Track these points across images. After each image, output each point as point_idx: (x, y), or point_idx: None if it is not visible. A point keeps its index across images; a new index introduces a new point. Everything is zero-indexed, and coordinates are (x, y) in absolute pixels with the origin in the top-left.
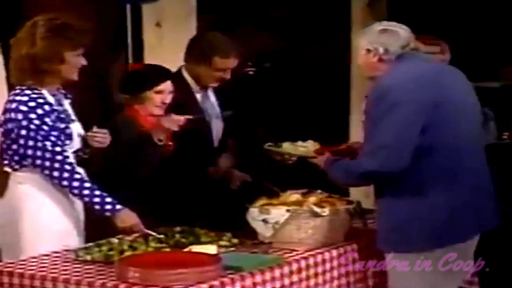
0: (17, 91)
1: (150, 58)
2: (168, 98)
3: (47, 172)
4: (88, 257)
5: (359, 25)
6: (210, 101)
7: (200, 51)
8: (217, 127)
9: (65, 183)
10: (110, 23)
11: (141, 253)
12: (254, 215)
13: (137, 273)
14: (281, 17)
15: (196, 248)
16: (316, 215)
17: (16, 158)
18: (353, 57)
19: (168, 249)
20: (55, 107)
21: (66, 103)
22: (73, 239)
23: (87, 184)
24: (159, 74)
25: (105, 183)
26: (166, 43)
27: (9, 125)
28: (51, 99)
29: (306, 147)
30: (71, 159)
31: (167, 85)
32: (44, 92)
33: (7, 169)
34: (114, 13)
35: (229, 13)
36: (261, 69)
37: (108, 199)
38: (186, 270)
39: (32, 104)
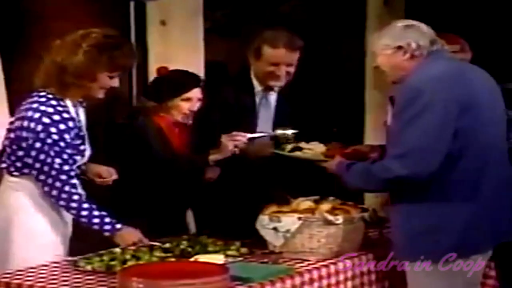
0: (43, 99)
1: (154, 57)
2: (196, 106)
3: (46, 189)
4: (89, 267)
5: (375, 24)
6: (269, 106)
7: (252, 43)
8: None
9: (62, 203)
10: (113, 21)
11: (145, 263)
12: (264, 223)
13: (140, 283)
14: (291, 15)
15: (202, 258)
16: (329, 223)
17: (18, 164)
18: (368, 57)
19: (173, 259)
20: (77, 123)
21: (81, 113)
22: (59, 250)
23: (85, 205)
24: (188, 81)
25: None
26: (171, 42)
27: (24, 133)
28: (73, 113)
29: (312, 150)
30: (74, 180)
31: (196, 93)
32: (68, 103)
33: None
34: (118, 10)
35: (237, 11)
36: None
37: (107, 219)
38: (191, 281)
39: (56, 117)
